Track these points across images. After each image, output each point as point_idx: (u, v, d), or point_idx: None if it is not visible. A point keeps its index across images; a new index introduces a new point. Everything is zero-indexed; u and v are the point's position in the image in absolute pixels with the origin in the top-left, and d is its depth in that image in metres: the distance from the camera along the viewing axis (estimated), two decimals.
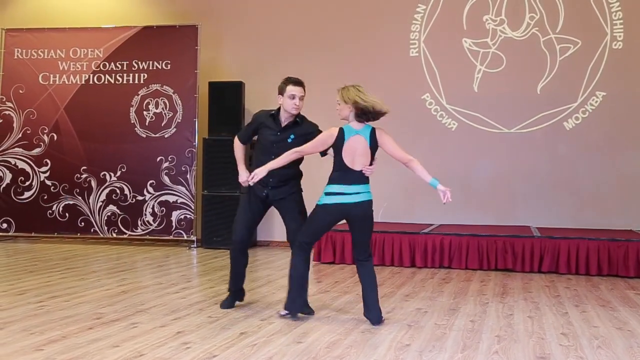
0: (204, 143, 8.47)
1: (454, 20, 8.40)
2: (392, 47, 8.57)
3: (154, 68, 8.66)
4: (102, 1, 9.45)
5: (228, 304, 4.69)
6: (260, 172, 4.33)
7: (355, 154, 4.26)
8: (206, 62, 8.79)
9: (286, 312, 4.36)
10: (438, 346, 3.69)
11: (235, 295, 4.74)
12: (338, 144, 4.27)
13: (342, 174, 4.26)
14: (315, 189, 4.52)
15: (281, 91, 4.57)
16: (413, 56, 8.54)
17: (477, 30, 8.34)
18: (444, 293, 5.46)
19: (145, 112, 8.64)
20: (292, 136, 4.52)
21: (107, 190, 8.64)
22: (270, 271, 6.44)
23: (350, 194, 4.26)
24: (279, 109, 4.61)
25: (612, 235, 6.93)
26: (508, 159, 8.27)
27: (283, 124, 4.55)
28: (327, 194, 4.29)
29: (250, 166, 4.65)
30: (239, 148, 4.71)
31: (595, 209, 7.97)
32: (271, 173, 4.39)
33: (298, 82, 4.58)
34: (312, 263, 5.60)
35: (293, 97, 4.50)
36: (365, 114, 4.25)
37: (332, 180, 4.29)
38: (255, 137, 4.77)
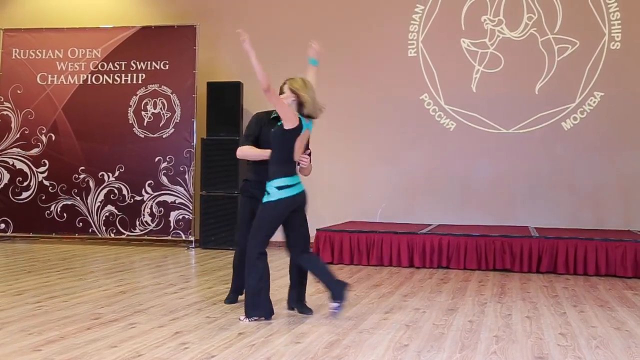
0: (202, 143, 8.46)
1: (452, 20, 8.40)
2: (390, 47, 8.57)
3: (152, 68, 8.66)
4: (100, 1, 9.44)
5: (232, 299, 4.81)
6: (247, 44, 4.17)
7: (299, 146, 4.31)
8: (204, 62, 8.79)
9: (337, 303, 4.30)
10: (436, 346, 3.69)
11: (238, 290, 4.80)
12: (296, 132, 4.25)
13: (289, 166, 4.29)
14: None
15: (281, 91, 4.58)
16: (411, 56, 8.54)
17: (476, 30, 8.35)
18: (442, 293, 5.46)
19: (143, 113, 8.63)
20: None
21: (105, 191, 8.63)
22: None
23: (296, 184, 4.31)
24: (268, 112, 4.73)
25: (610, 236, 6.94)
26: (506, 159, 8.28)
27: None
28: (279, 188, 4.23)
29: (249, 165, 4.69)
30: (248, 149, 4.65)
31: (594, 209, 7.99)
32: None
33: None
34: None
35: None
36: (306, 109, 4.27)
37: (279, 174, 4.24)
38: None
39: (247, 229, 4.51)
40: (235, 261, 4.83)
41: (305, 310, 4.56)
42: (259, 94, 9.61)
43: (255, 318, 4.25)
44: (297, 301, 4.62)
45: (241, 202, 4.84)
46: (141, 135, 8.62)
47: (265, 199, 4.27)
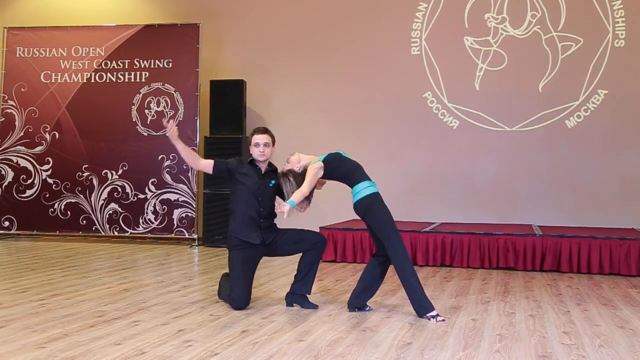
0: (206, 141, 8.47)
1: (455, 18, 8.39)
2: (393, 46, 8.57)
3: (156, 66, 8.67)
4: (104, 0, 9.45)
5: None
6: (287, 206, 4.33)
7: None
8: (208, 60, 8.79)
9: (434, 313, 4.32)
10: (439, 345, 3.69)
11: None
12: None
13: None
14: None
15: (249, 141, 4.74)
16: (414, 54, 8.53)
17: (479, 28, 8.33)
18: (446, 292, 5.46)
19: (146, 111, 8.64)
20: (272, 182, 4.69)
21: (108, 189, 8.65)
22: (270, 269, 6.44)
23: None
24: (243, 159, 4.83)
25: (614, 234, 6.92)
26: (509, 157, 8.27)
27: (263, 171, 4.71)
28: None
29: (234, 214, 4.61)
30: (197, 156, 4.85)
31: (597, 208, 7.97)
32: (262, 214, 4.58)
33: (263, 131, 4.72)
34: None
35: (257, 145, 4.65)
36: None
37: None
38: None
39: (244, 284, 4.52)
40: (230, 305, 4.59)
41: (311, 305, 4.63)
42: (262, 92, 9.73)
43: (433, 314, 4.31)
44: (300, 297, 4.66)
45: (234, 256, 4.59)
46: (144, 134, 8.63)
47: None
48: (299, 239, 4.68)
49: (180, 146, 4.61)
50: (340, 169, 4.56)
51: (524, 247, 6.80)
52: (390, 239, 4.37)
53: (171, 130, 4.55)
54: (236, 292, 4.52)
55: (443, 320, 4.27)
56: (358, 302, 4.56)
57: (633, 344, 3.79)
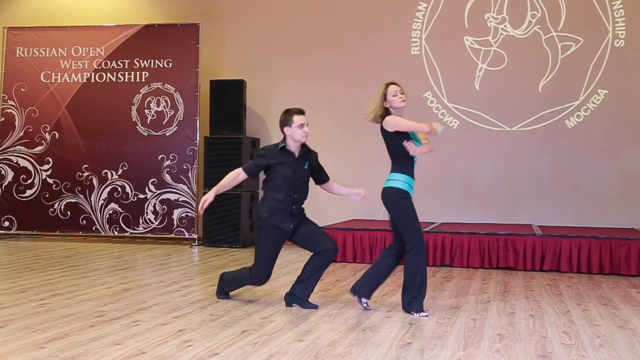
0: (206, 141, 8.47)
1: (455, 18, 8.39)
2: (393, 46, 8.56)
3: (156, 66, 8.67)
4: (104, 0, 9.45)
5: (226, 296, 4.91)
6: (210, 196, 4.50)
7: None
8: (208, 60, 8.79)
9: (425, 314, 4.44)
10: (439, 344, 3.69)
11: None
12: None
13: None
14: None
15: (287, 123, 4.61)
16: (414, 54, 8.53)
17: (479, 28, 8.33)
18: (445, 291, 5.46)
19: (146, 111, 8.64)
20: (306, 164, 4.66)
21: (108, 189, 8.65)
22: None
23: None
24: (283, 140, 4.66)
25: (614, 234, 6.92)
26: (509, 157, 8.26)
27: (297, 155, 4.64)
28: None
29: (266, 202, 4.62)
30: (233, 178, 4.69)
31: (597, 207, 7.97)
32: (295, 200, 4.58)
33: (302, 111, 4.68)
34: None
35: (302, 125, 4.59)
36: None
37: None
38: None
39: (271, 262, 4.66)
40: (251, 283, 4.88)
41: (311, 305, 4.63)
42: (262, 91, 9.72)
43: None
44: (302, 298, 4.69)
45: (264, 234, 4.65)
46: (144, 134, 8.63)
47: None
48: (312, 237, 4.67)
49: (216, 192, 4.60)
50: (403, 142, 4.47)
51: (524, 247, 6.80)
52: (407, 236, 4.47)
53: (202, 210, 4.62)
54: (264, 270, 4.65)
55: (427, 315, 4.41)
56: (361, 290, 4.62)
57: (633, 344, 3.79)
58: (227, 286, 4.90)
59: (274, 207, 4.58)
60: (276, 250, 4.68)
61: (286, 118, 4.62)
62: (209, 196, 4.55)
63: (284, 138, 4.65)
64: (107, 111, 8.70)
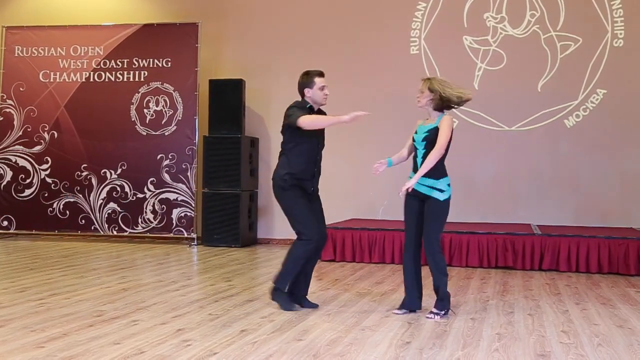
0: (205, 141, 8.47)
1: (454, 18, 8.39)
2: (392, 45, 8.56)
3: (155, 66, 8.66)
4: None
5: (288, 306, 4.53)
6: (412, 182, 4.50)
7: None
8: (206, 59, 8.79)
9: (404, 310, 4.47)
10: (438, 344, 3.69)
11: (293, 297, 4.60)
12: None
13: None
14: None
15: (308, 85, 4.53)
16: (414, 54, 8.53)
17: (478, 27, 8.33)
18: None
19: (145, 110, 8.64)
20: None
21: (107, 188, 8.64)
22: (270, 269, 6.43)
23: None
24: (304, 101, 4.57)
25: (613, 233, 6.93)
26: (508, 156, 8.27)
27: None
28: (449, 185, 4.47)
29: (290, 161, 4.48)
30: (316, 116, 4.51)
31: (596, 207, 7.97)
32: (317, 162, 4.56)
33: (323, 73, 4.61)
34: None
35: (323, 87, 4.55)
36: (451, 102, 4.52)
37: (445, 173, 4.48)
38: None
39: (314, 219, 4.46)
40: (306, 253, 4.47)
41: (312, 304, 4.62)
42: (261, 91, 9.70)
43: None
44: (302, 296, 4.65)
45: (294, 193, 4.49)
46: (143, 133, 8.63)
47: (442, 196, 4.40)
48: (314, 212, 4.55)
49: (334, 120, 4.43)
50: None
51: (523, 246, 6.80)
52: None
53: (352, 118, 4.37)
54: (310, 228, 4.42)
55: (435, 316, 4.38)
56: (414, 303, 4.55)
57: (631, 343, 3.79)
58: (288, 273, 4.52)
59: (298, 170, 4.45)
60: (309, 205, 4.50)
61: (307, 80, 4.52)
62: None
63: (303, 99, 4.56)
64: (106, 111, 8.70)
